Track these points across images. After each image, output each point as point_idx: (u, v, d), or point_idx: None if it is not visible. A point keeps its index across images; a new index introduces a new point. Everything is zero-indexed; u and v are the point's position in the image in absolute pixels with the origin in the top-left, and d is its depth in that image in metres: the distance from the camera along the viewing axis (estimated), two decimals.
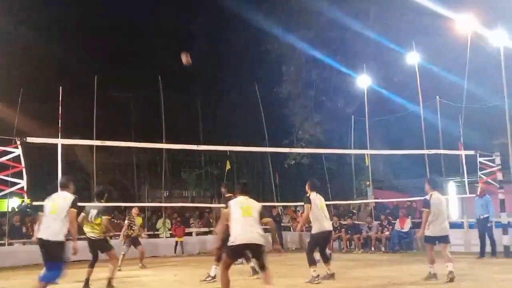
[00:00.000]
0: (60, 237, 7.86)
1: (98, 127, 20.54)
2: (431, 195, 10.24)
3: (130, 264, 14.67)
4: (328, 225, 10.53)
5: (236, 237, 7.49)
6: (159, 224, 22.04)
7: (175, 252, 20.73)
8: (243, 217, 7.62)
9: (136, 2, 31.26)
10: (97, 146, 19.90)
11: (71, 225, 8.02)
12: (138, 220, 15.45)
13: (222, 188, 11.35)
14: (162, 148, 21.44)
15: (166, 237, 21.54)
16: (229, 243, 7.55)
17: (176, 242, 20.95)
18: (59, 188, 8.33)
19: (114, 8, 30.29)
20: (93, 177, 21.26)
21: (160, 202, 24.37)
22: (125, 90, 29.30)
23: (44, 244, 7.87)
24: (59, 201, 8.07)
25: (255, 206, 7.81)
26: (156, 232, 21.73)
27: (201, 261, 16.46)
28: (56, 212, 7.96)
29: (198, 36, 32.97)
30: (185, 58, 10.86)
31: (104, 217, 10.24)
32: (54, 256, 7.87)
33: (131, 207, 16.44)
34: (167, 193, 27.60)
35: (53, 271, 7.88)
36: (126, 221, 15.38)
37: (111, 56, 30.09)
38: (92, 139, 17.92)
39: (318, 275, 10.12)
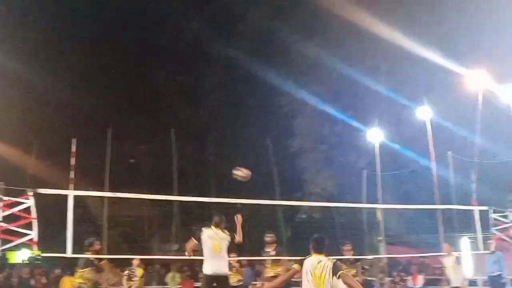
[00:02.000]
0: None
1: (110, 178, 20.68)
2: None
3: None
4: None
5: None
6: (168, 278, 21.75)
7: None
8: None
9: (150, 55, 31.84)
10: (109, 198, 19.99)
11: None
12: (139, 272, 15.07)
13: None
14: (174, 201, 21.40)
15: None
16: None
17: None
18: None
19: (128, 60, 30.83)
20: (103, 229, 21.21)
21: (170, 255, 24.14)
22: (138, 142, 29.60)
23: None
24: None
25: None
26: (165, 286, 21.41)
27: None
28: None
29: (211, 90, 33.38)
30: (241, 172, 10.13)
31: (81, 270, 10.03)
32: None
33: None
34: (178, 246, 27.33)
35: None
36: (126, 272, 14.96)
37: (125, 107, 30.45)
38: (103, 190, 18.00)
39: None
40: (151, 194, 12.51)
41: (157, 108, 32.45)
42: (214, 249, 8.63)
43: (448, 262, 11.16)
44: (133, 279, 14.55)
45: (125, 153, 27.82)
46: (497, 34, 25.54)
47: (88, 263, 10.15)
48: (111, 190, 18.67)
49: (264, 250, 11.62)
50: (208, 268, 8.69)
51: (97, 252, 10.45)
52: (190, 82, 33.82)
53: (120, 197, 15.36)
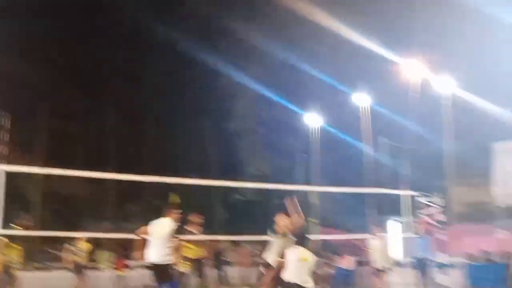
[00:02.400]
0: None
1: (45, 156, 20.12)
2: None
3: None
4: None
5: None
6: (101, 256, 21.45)
7: (115, 286, 20.17)
8: None
9: (92, 34, 30.98)
10: (43, 175, 19.42)
11: None
12: (85, 246, 14.43)
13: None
14: (108, 179, 20.96)
15: (107, 270, 20.94)
16: None
17: (117, 275, 20.41)
18: None
19: (69, 37, 29.91)
20: (36, 206, 20.63)
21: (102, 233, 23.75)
22: (75, 120, 28.90)
23: None
24: None
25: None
26: (97, 265, 21.08)
27: None
28: None
29: (151, 71, 32.91)
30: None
31: None
32: None
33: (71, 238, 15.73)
34: (110, 225, 26.92)
35: None
36: (71, 247, 14.27)
37: (62, 84, 29.57)
38: (37, 166, 17.47)
39: None
40: (86, 171, 12.17)
41: (96, 86, 31.74)
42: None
43: (374, 244, 11.44)
44: (79, 255, 13.86)
45: (61, 129, 27.08)
46: (433, 27, 26.34)
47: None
48: (45, 166, 18.12)
49: (186, 228, 11.42)
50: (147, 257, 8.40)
51: (26, 228, 10.25)
52: (130, 61, 33.20)
53: (54, 174, 14.90)
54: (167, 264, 8.31)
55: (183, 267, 10.76)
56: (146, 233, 8.51)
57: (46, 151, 20.62)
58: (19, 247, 10.94)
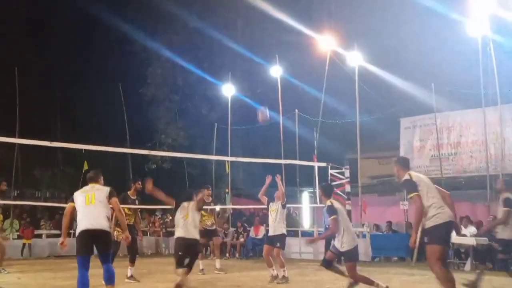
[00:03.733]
0: None
1: None
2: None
3: None
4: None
5: None
6: (6, 224, 20.70)
7: (21, 254, 19.64)
8: None
9: None
10: None
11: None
12: None
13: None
14: (14, 143, 20.08)
15: (13, 239, 20.31)
16: None
17: (24, 244, 19.88)
18: None
19: None
20: None
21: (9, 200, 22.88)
22: None
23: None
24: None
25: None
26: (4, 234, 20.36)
27: (49, 264, 15.77)
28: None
29: (59, 30, 31.62)
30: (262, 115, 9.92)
31: None
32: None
33: None
34: (17, 192, 25.98)
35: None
36: None
37: None
38: None
39: None
40: None
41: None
42: (87, 201, 7.76)
43: (271, 207, 11.50)
44: None
45: None
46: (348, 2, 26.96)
47: None
48: None
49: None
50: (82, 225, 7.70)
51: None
52: (38, 21, 31.75)
53: None
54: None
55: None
56: None
57: None
58: None
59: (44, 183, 31.23)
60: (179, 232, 8.29)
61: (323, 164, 17.49)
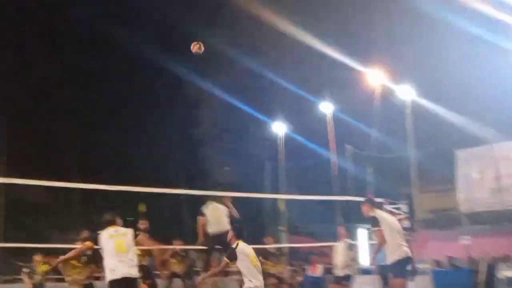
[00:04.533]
0: None
1: (9, 164, 19.87)
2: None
3: None
4: None
5: None
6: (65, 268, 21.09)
7: None
8: None
9: (49, 42, 30.62)
10: (6, 184, 19.16)
11: None
12: (41, 268, 14.07)
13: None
14: (75, 189, 20.69)
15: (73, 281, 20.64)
16: None
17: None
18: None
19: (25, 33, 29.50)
20: None
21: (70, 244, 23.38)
22: (36, 127, 28.53)
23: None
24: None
25: None
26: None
27: None
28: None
29: (112, 77, 32.63)
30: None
31: None
32: None
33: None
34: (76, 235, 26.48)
35: None
36: (25, 270, 13.98)
37: (21, 91, 29.12)
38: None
39: None
40: (49, 180, 11.87)
41: (58, 94, 31.33)
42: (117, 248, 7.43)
43: (338, 247, 11.29)
44: (32, 277, 13.53)
45: (23, 138, 26.59)
46: (396, 35, 26.83)
47: None
48: (7, 175, 17.83)
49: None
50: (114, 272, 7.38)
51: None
52: (93, 69, 32.85)
53: (17, 184, 14.60)
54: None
55: None
56: None
57: (5, 159, 20.29)
58: None
59: (103, 226, 31.78)
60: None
61: (379, 200, 17.20)
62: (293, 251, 22.42)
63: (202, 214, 10.37)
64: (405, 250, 7.98)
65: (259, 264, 7.40)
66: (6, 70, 27.39)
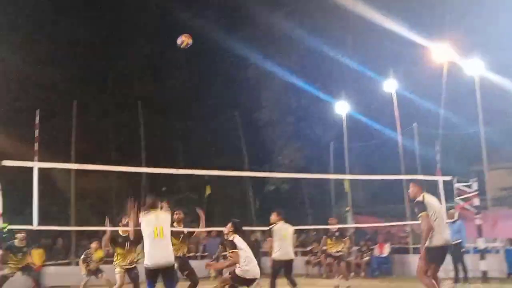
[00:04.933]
0: None
1: (78, 152, 20.55)
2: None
3: None
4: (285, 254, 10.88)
5: None
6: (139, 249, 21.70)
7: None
8: None
9: (117, 29, 31.25)
10: (76, 171, 19.86)
11: None
12: (97, 254, 14.54)
13: None
14: (142, 173, 21.29)
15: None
16: None
17: None
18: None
19: (95, 33, 30.29)
20: (71, 203, 21.05)
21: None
22: (105, 115, 29.38)
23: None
24: None
25: None
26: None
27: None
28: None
29: (177, 62, 33.06)
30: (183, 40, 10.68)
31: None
32: None
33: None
34: None
35: None
36: (82, 256, 14.53)
37: (91, 81, 30.03)
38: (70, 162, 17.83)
39: None
40: (118, 166, 12.23)
41: (123, 81, 32.12)
42: (155, 234, 7.87)
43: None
44: (89, 263, 14.02)
45: (92, 126, 27.50)
46: (462, 8, 25.89)
47: None
48: (78, 162, 18.51)
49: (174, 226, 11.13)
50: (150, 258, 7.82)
51: None
52: (155, 54, 33.42)
53: (87, 170, 15.16)
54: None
55: None
56: None
57: (77, 148, 21.03)
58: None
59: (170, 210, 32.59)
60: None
61: (448, 178, 16.75)
62: (359, 232, 22.23)
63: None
64: (446, 238, 8.17)
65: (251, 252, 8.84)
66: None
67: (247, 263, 8.49)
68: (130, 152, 24.99)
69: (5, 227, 10.60)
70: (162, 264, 7.71)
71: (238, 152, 26.19)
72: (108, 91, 31.48)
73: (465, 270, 15.00)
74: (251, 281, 8.51)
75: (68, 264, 19.89)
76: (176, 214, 11.03)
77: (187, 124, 31.72)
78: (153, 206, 8.16)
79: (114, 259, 11.24)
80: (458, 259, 15.01)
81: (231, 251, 8.61)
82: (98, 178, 26.97)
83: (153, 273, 7.78)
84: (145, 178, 22.95)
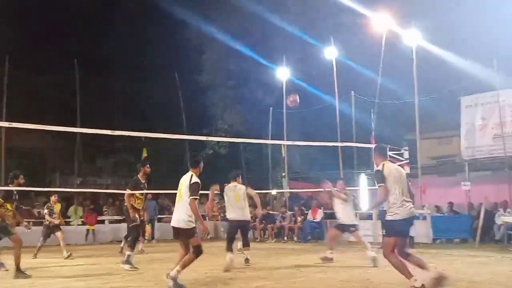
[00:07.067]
0: None
1: (9, 109, 19.83)
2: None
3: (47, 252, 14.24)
4: (235, 215, 10.94)
5: None
6: (71, 211, 21.44)
7: (85, 240, 20.28)
8: None
9: None
10: (6, 129, 19.18)
11: None
12: (57, 207, 14.70)
13: None
14: (76, 133, 20.76)
15: (78, 225, 21.02)
16: None
17: (88, 230, 20.54)
18: None
19: None
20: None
21: (73, 188, 23.63)
22: (40, 73, 28.36)
23: None
24: None
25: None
26: (67, 220, 21.08)
27: (112, 249, 16.20)
28: None
29: (116, 22, 32.20)
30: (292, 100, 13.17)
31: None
32: None
33: (40, 193, 15.76)
34: (81, 180, 26.81)
35: None
36: (45, 210, 14.59)
37: (25, 37, 28.84)
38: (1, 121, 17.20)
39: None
40: (52, 125, 11.83)
41: (59, 38, 31.05)
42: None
43: (338, 200, 11.57)
44: (53, 216, 14.20)
45: (25, 82, 26.47)
46: None
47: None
48: (9, 120, 17.83)
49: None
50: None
51: (20, 185, 10.41)
52: (94, 13, 32.40)
53: (19, 128, 14.60)
54: None
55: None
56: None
57: (10, 105, 20.30)
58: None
59: (106, 171, 32.13)
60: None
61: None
62: (293, 197, 22.62)
63: None
64: (410, 211, 7.21)
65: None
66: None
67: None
68: (66, 112, 24.31)
69: None
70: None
71: (177, 115, 25.91)
72: (44, 48, 30.35)
73: None
74: None
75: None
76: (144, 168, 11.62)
77: (125, 85, 31.06)
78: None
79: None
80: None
81: None
82: (32, 138, 26.22)
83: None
84: (80, 139, 22.41)
